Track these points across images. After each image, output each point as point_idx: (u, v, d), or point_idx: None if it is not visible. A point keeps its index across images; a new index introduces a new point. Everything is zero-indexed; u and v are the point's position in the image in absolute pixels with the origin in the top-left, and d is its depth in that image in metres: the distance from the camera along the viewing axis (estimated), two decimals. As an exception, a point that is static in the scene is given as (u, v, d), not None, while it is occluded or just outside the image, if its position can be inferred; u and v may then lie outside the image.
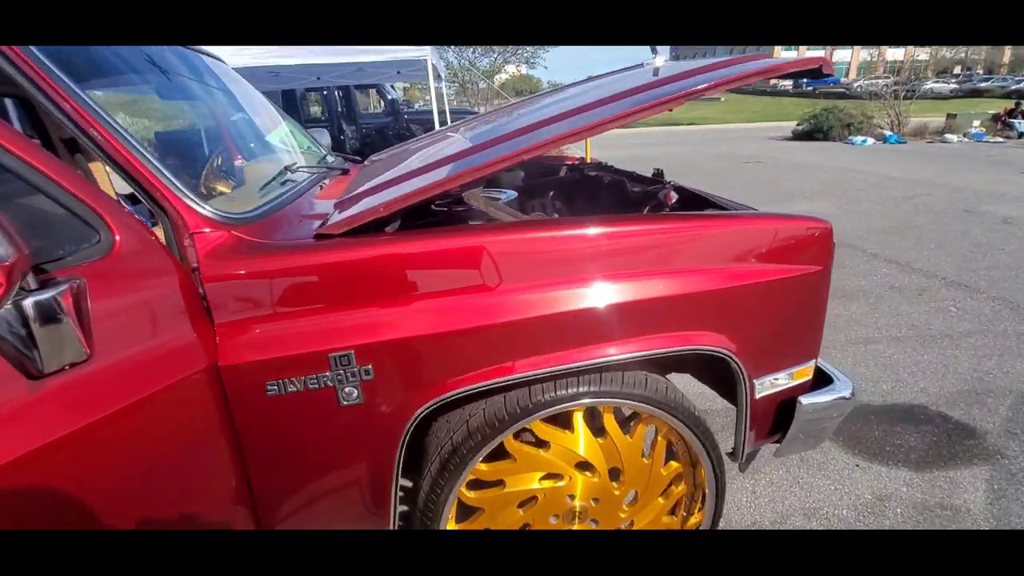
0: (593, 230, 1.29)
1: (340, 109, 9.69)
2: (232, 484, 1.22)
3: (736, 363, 1.39)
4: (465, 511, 1.50)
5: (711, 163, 11.16)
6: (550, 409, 1.35)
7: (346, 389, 1.21)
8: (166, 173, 1.18)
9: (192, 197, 1.20)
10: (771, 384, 1.48)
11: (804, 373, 1.51)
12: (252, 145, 2.07)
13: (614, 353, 1.29)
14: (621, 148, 14.27)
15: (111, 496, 1.03)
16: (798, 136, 15.00)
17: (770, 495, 2.15)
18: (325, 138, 3.02)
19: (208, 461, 1.17)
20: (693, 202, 1.80)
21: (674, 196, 1.81)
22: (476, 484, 1.45)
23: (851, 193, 7.62)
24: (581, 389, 1.35)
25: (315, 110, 10.02)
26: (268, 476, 1.26)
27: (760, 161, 11.11)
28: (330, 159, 2.36)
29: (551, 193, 2.40)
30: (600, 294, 1.28)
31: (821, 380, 1.58)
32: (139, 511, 1.08)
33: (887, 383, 2.88)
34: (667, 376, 1.90)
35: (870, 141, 13.22)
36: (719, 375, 1.53)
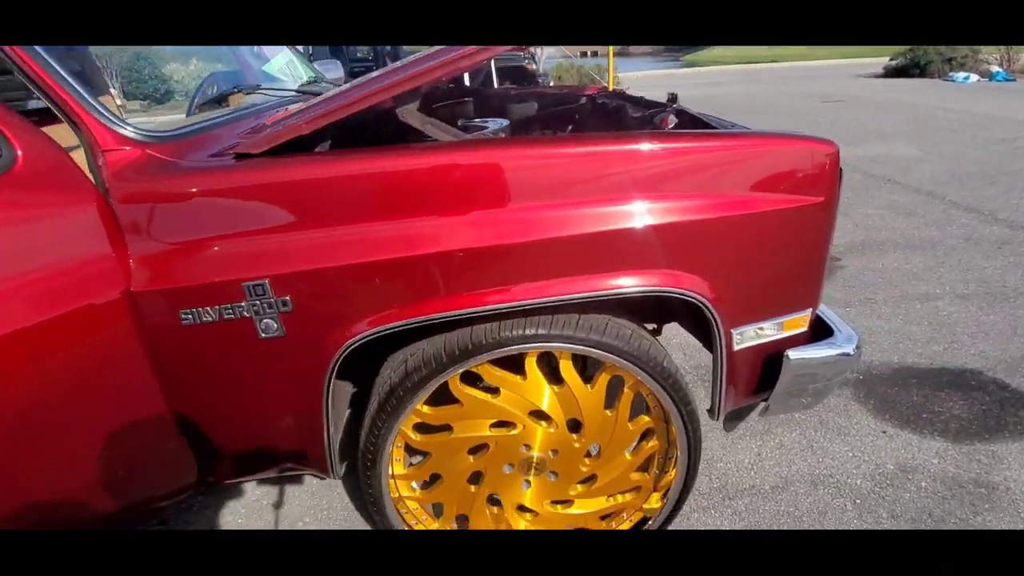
0: (540, 151, 1.13)
1: (387, 48, 9.56)
2: (156, 415, 1.20)
3: (709, 309, 1.21)
4: (416, 454, 1.43)
5: (786, 103, 10.25)
6: (493, 352, 1.24)
7: (264, 321, 1.14)
8: (77, 88, 1.11)
9: (105, 113, 1.13)
10: (755, 335, 1.29)
11: (796, 323, 1.31)
12: (233, 70, 1.99)
13: (559, 292, 1.15)
14: (693, 87, 13.38)
15: (17, 419, 1.02)
16: (890, 73, 13.49)
17: (776, 458, 1.97)
18: (334, 72, 2.91)
19: (126, 390, 1.15)
20: (693, 127, 1.57)
21: (672, 121, 1.59)
22: (424, 428, 1.37)
23: (940, 134, 6.79)
24: (528, 332, 1.22)
25: (362, 51, 9.98)
26: (195, 409, 1.23)
27: (841, 100, 10.09)
28: (322, 87, 2.25)
29: (563, 122, 2.21)
30: (545, 224, 1.13)
31: (822, 332, 1.38)
32: (49, 438, 1.07)
33: (940, 343, 2.57)
34: (656, 322, 1.74)
35: (973, 78, 11.69)
36: (697, 322, 1.35)
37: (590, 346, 1.24)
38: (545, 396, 1.35)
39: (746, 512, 1.77)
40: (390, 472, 1.41)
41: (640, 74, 17.81)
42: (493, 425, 1.38)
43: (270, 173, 1.12)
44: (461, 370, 1.26)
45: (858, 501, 1.78)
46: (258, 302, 1.12)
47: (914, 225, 3.96)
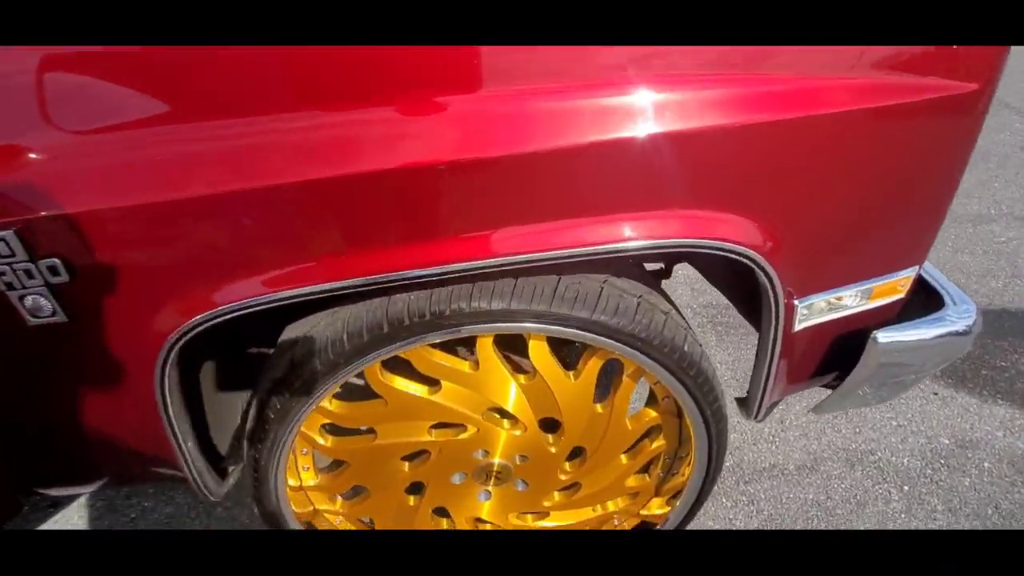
0: None
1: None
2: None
3: (766, 272, 0.75)
4: (336, 462, 1.03)
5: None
6: (423, 337, 0.80)
7: (29, 299, 0.68)
8: None
9: None
10: (828, 307, 0.85)
11: (890, 289, 0.86)
12: None
13: (516, 250, 0.69)
14: None
15: None
16: None
17: (803, 428, 1.60)
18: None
19: None
20: None
21: None
22: (339, 428, 0.96)
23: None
24: (477, 306, 0.77)
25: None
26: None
27: None
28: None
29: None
30: (499, 130, 0.65)
31: (924, 300, 0.93)
32: None
33: (999, 278, 2.14)
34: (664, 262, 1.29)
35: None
36: (740, 284, 0.90)
37: (575, 327, 0.80)
38: (507, 390, 0.93)
39: (764, 500, 1.42)
40: (297, 484, 1.02)
41: None
42: (435, 427, 0.97)
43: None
44: (376, 360, 0.83)
45: (906, 488, 1.43)
46: (6, 268, 0.66)
47: (960, 131, 3.41)
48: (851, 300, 0.84)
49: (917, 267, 0.85)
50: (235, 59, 0.62)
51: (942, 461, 1.49)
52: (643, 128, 0.65)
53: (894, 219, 0.78)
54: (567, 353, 0.98)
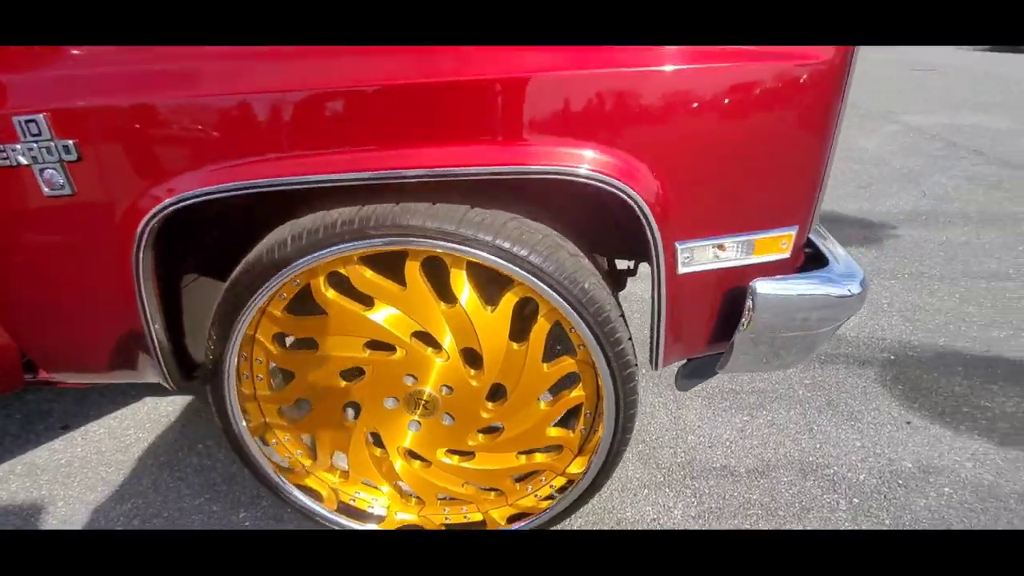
0: None
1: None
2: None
3: (642, 207, 0.86)
4: (285, 373, 1.17)
5: (868, 68, 9.22)
6: (352, 245, 0.94)
7: (46, 172, 0.88)
8: None
9: None
10: (714, 256, 0.94)
11: (774, 245, 0.94)
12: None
13: (407, 164, 0.84)
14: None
15: None
16: (997, 46, 11.99)
17: (763, 438, 1.61)
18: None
19: None
20: None
21: None
22: (296, 342, 1.11)
23: (1047, 110, 5.88)
24: (396, 221, 0.91)
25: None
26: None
27: (934, 69, 8.99)
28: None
29: None
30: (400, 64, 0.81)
31: (813, 264, 1.01)
32: None
33: (1002, 329, 2.09)
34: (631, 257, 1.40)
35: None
36: (629, 233, 1.01)
37: (480, 250, 0.92)
38: (431, 315, 1.05)
39: (708, 495, 1.44)
40: (251, 392, 1.16)
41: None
42: (369, 346, 1.09)
43: None
44: (313, 262, 0.97)
45: (855, 500, 1.42)
46: (35, 145, 0.86)
47: (996, 199, 3.35)
48: (734, 250, 0.93)
49: (797, 227, 0.93)
50: None
51: (900, 482, 1.47)
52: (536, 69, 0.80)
53: (765, 175, 0.88)
54: (493, 292, 1.09)
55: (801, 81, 0.82)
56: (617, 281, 1.57)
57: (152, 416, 1.75)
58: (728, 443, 1.60)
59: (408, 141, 0.85)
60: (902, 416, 1.69)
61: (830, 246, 1.03)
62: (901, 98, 6.54)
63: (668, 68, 0.81)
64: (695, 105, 0.82)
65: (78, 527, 1.38)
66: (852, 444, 1.59)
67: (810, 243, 1.02)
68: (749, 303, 0.93)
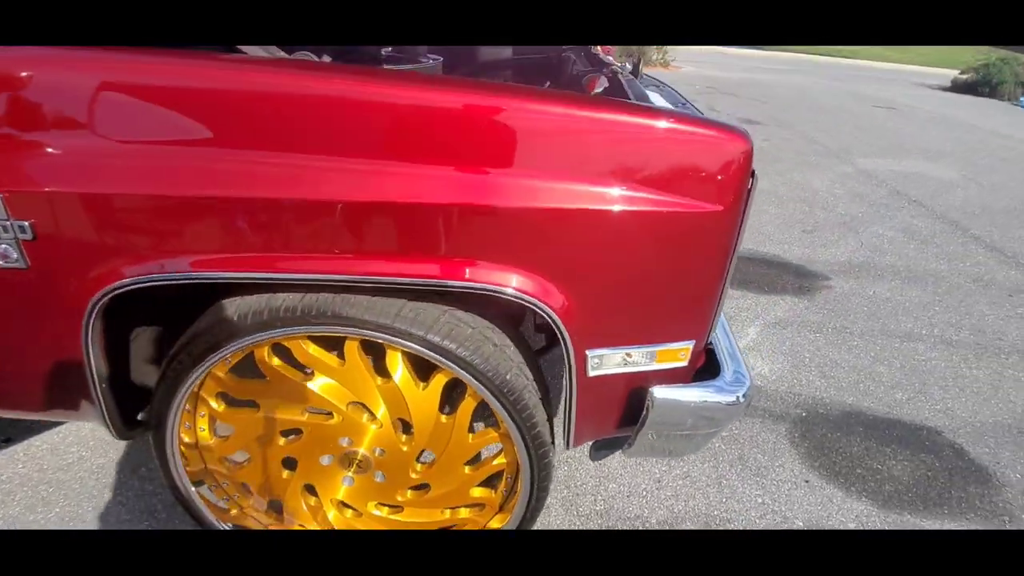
0: (347, 84, 0.88)
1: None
2: None
3: (556, 323, 0.97)
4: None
5: (831, 101, 9.59)
6: (291, 329, 1.02)
7: (1, 247, 0.93)
8: None
9: None
10: (623, 361, 1.06)
11: (672, 356, 1.06)
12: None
13: (344, 270, 0.93)
14: (739, 69, 12.64)
15: None
16: (958, 87, 12.56)
17: (676, 489, 1.76)
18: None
19: None
20: (616, 95, 1.28)
21: (601, 84, 1.31)
22: (232, 399, 1.18)
23: (988, 161, 6.25)
24: (336, 311, 1.00)
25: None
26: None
27: (894, 108, 9.40)
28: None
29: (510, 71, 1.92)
30: (334, 180, 0.89)
31: (712, 370, 1.14)
32: None
33: (905, 391, 2.30)
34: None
35: (1049, 107, 10.83)
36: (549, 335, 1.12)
37: (408, 340, 1.02)
38: (367, 388, 1.14)
39: (619, 546, 1.57)
40: (193, 441, 1.23)
41: (693, 47, 16.86)
42: (309, 410, 1.18)
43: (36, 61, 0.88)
44: (256, 341, 1.05)
45: (748, 556, 1.57)
46: (-7, 223, 0.91)
47: (924, 255, 3.60)
48: (639, 358, 1.05)
49: (694, 341, 1.06)
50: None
51: (790, 540, 1.63)
52: (463, 198, 0.89)
53: (666, 300, 1.00)
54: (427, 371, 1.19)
55: (698, 227, 0.93)
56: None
57: (95, 434, 1.78)
58: (644, 493, 1.74)
59: (360, 253, 0.93)
60: (802, 474, 1.86)
61: (729, 351, 1.16)
62: (858, 137, 6.85)
63: (592, 208, 0.91)
64: (606, 242, 0.93)
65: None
66: (754, 500, 1.75)
67: (710, 349, 1.14)
68: (648, 404, 1.06)
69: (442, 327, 1.03)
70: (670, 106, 1.06)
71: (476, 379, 1.06)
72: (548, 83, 1.63)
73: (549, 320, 0.97)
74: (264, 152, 0.90)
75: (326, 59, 1.05)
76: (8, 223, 0.91)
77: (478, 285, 0.92)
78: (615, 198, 0.90)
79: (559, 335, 0.99)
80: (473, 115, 0.88)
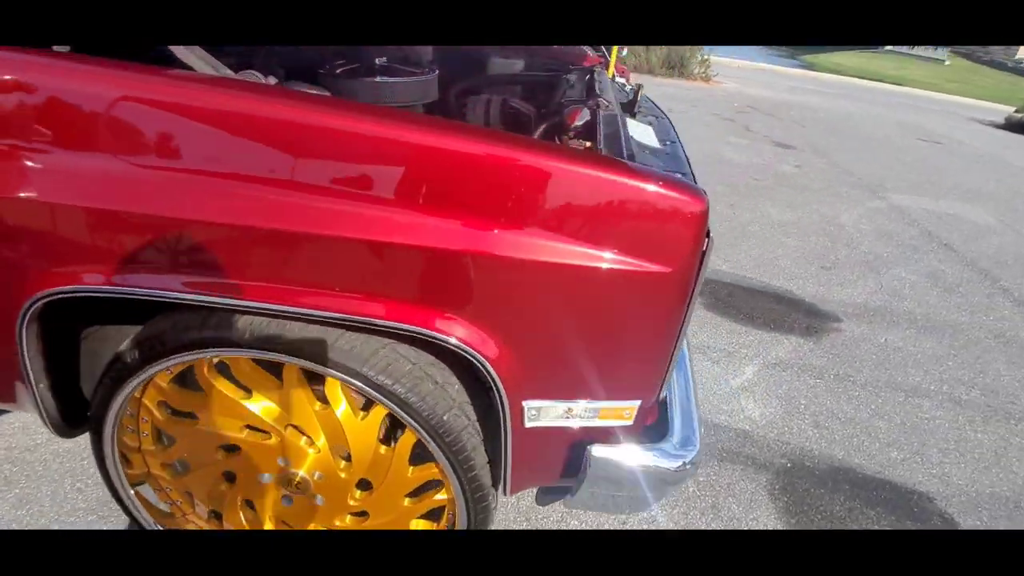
0: (290, 108, 0.85)
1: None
2: None
3: (487, 370, 0.93)
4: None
5: (875, 130, 9.28)
6: (217, 350, 1.00)
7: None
8: None
9: None
10: (565, 414, 1.01)
11: (616, 414, 1.01)
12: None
13: (278, 300, 0.90)
14: (784, 89, 12.36)
15: None
16: (1012, 126, 12.03)
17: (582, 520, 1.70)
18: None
19: None
20: (589, 133, 1.23)
21: (582, 117, 1.26)
22: (177, 411, 1.17)
23: (1033, 208, 5.97)
24: (273, 334, 0.98)
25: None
26: None
27: (939, 142, 9.06)
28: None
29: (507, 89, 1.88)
30: (270, 207, 0.87)
31: (661, 428, 1.08)
32: None
33: (902, 451, 2.19)
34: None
35: (1107, 153, 10.28)
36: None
37: (343, 373, 0.99)
38: (306, 413, 1.12)
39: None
40: (136, 445, 1.22)
41: (739, 63, 16.54)
42: (248, 427, 1.16)
43: None
44: (191, 357, 1.03)
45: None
46: (-68, 222, 0.91)
47: (946, 304, 3.45)
48: (582, 413, 1.00)
49: (639, 401, 1.00)
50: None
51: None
52: (392, 238, 0.86)
53: (610, 357, 0.95)
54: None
55: (643, 288, 0.88)
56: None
57: (68, 417, 1.81)
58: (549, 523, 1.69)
59: (300, 284, 0.91)
60: (770, 523, 1.78)
61: (684, 412, 1.10)
62: (896, 171, 6.61)
63: (528, 259, 0.87)
64: (544, 295, 0.88)
65: (-32, 529, 1.45)
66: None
67: (664, 403, 1.09)
68: (586, 463, 1.01)
69: (379, 361, 1.00)
70: (647, 148, 1.00)
71: (411, 417, 1.02)
72: (535, 108, 1.58)
73: (479, 366, 0.93)
74: (211, 176, 0.88)
75: (272, 79, 1.02)
76: (-53, 222, 0.91)
77: (404, 326, 0.89)
78: (553, 251, 0.85)
79: (492, 384, 0.95)
80: (416, 153, 0.84)
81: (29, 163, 0.87)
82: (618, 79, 2.24)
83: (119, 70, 0.86)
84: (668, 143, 1.35)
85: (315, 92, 1.11)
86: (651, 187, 0.84)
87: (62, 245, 0.91)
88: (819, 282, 3.52)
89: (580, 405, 0.99)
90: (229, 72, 0.93)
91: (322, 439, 1.14)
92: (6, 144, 0.88)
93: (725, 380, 2.48)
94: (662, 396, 1.05)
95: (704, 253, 0.89)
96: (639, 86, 1.63)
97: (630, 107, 1.62)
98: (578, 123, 1.25)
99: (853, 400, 2.46)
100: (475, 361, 0.92)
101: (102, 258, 0.91)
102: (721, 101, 9.81)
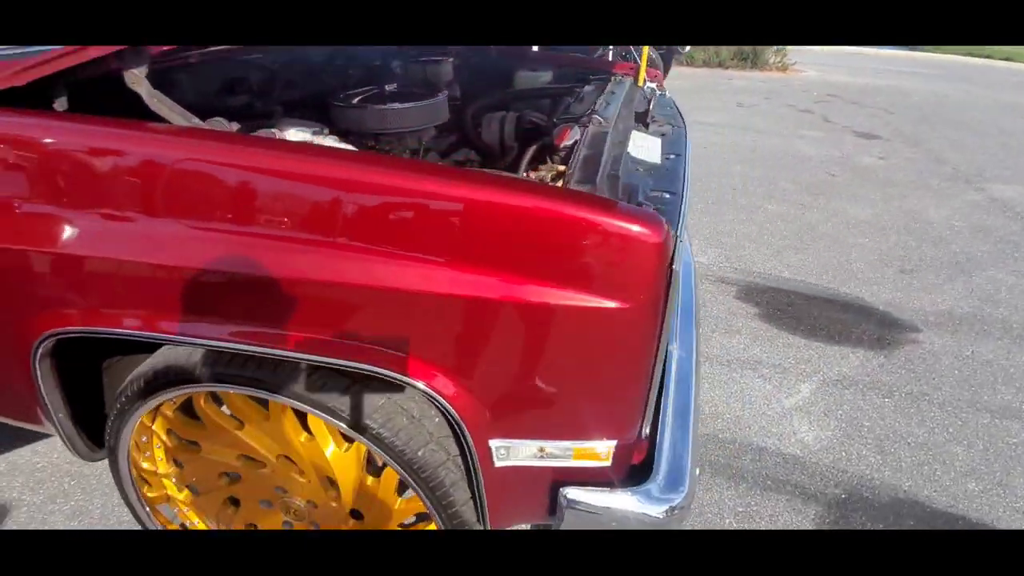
0: (237, 153, 0.87)
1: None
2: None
3: (447, 411, 0.91)
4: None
5: (977, 114, 8.34)
6: (203, 386, 1.04)
7: (-37, 289, 1.03)
8: None
9: None
10: (532, 453, 0.97)
11: (590, 455, 0.95)
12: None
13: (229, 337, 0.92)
14: (871, 74, 11.44)
15: None
16: None
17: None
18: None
19: None
20: (572, 153, 1.17)
21: (572, 137, 1.21)
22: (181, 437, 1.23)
23: None
24: (243, 372, 1.00)
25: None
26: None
27: (1061, 122, 8.03)
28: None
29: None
30: (252, 256, 0.88)
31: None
32: None
33: (981, 482, 1.94)
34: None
35: None
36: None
37: (315, 408, 1.00)
38: (294, 444, 1.14)
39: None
40: (152, 469, 1.29)
41: (823, 47, 15.50)
42: (245, 457, 1.20)
43: None
44: (185, 391, 1.08)
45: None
46: (-46, 269, 1.00)
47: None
48: (556, 452, 0.95)
49: (615, 442, 0.94)
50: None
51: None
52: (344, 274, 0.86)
53: (576, 395, 0.89)
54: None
55: (601, 325, 0.82)
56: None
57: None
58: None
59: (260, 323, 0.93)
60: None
61: (674, 445, 1.02)
62: (999, 158, 5.92)
63: (479, 296, 0.84)
64: (498, 332, 0.85)
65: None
66: None
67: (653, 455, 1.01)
68: (561, 504, 0.96)
69: (351, 397, 1.00)
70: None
71: (385, 452, 1.02)
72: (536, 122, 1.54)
73: (440, 407, 0.90)
74: (194, 223, 0.91)
75: (235, 127, 1.05)
76: (-36, 271, 1.00)
77: (362, 366, 0.88)
78: (495, 287, 0.81)
79: (454, 423, 0.92)
80: (357, 190, 0.84)
81: (25, 214, 0.95)
82: (648, 85, 2.15)
83: (97, 126, 0.92)
84: (671, 157, 1.27)
85: (295, 130, 1.12)
86: (602, 219, 0.78)
87: (63, 289, 0.98)
88: (897, 287, 3.20)
89: (551, 445, 0.94)
90: (197, 121, 0.97)
91: (309, 470, 1.15)
92: (9, 197, 0.96)
93: (776, 399, 2.31)
94: (644, 435, 0.97)
95: (669, 287, 0.81)
96: (654, 94, 1.54)
97: (643, 118, 1.54)
98: (567, 143, 1.19)
99: (927, 422, 2.21)
100: (429, 397, 0.89)
101: (91, 301, 0.97)
102: (799, 91, 9.24)
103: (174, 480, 1.32)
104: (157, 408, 1.17)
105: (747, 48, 10.84)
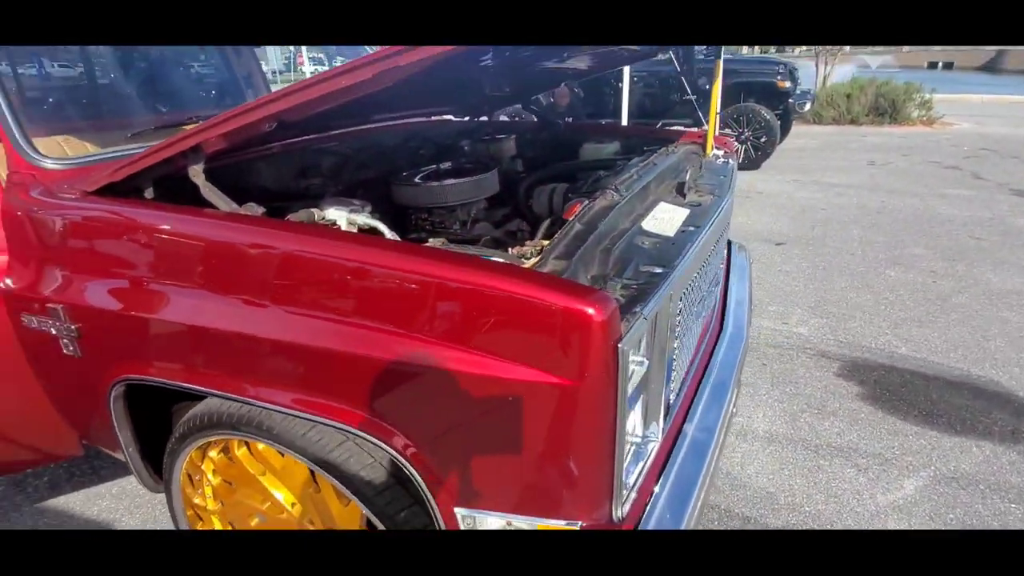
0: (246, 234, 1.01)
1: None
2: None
3: (409, 467, 0.94)
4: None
5: None
6: (230, 432, 1.17)
7: (64, 340, 1.27)
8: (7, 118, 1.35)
9: (19, 140, 1.35)
10: (504, 527, 0.96)
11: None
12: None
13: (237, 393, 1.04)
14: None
15: None
16: None
17: None
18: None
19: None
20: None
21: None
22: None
23: None
24: (250, 425, 1.12)
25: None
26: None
27: None
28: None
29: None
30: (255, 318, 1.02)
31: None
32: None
33: None
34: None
35: None
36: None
37: (306, 457, 1.08)
38: (305, 494, 1.22)
39: None
40: (203, 504, 1.45)
41: (982, 97, 13.95)
42: (266, 501, 1.30)
43: (78, 211, 1.22)
44: (208, 437, 1.23)
45: None
46: (59, 324, 1.25)
47: None
48: (523, 528, 0.93)
49: (580, 523, 0.89)
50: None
51: None
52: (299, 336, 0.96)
53: (532, 472, 0.88)
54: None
55: (548, 401, 0.82)
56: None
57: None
58: None
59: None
60: None
61: (653, 523, 0.96)
62: None
63: (424, 364, 0.88)
64: (460, 402, 0.88)
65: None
66: None
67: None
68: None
69: (343, 452, 1.07)
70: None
71: (363, 503, 1.07)
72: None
73: (409, 476, 0.94)
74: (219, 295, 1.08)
75: (260, 211, 1.20)
76: (68, 326, 1.24)
77: (306, 415, 0.96)
78: (458, 357, 0.85)
79: (417, 485, 0.95)
80: (329, 265, 0.94)
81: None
82: (714, 152, 2.11)
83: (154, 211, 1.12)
84: (689, 229, 1.24)
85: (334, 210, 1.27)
86: (546, 298, 0.80)
87: (129, 344, 1.19)
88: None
89: (518, 520, 0.93)
90: (235, 206, 1.14)
91: (317, 520, 1.23)
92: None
93: (870, 495, 2.02)
94: (619, 518, 0.92)
95: (618, 366, 0.80)
96: (699, 162, 1.53)
97: (681, 188, 1.53)
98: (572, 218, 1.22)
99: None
100: (395, 459, 0.93)
101: (149, 355, 1.16)
102: (945, 146, 8.36)
103: (217, 518, 1.45)
104: (204, 448, 1.33)
105: (884, 102, 10.08)
